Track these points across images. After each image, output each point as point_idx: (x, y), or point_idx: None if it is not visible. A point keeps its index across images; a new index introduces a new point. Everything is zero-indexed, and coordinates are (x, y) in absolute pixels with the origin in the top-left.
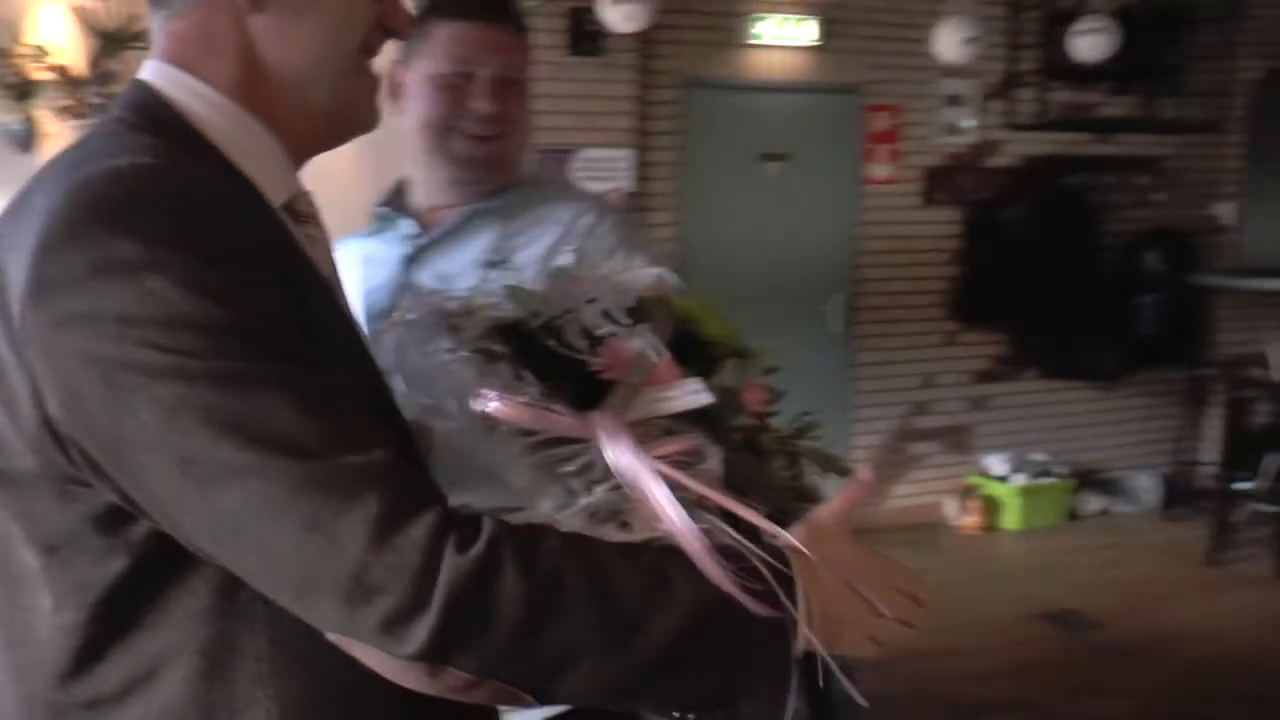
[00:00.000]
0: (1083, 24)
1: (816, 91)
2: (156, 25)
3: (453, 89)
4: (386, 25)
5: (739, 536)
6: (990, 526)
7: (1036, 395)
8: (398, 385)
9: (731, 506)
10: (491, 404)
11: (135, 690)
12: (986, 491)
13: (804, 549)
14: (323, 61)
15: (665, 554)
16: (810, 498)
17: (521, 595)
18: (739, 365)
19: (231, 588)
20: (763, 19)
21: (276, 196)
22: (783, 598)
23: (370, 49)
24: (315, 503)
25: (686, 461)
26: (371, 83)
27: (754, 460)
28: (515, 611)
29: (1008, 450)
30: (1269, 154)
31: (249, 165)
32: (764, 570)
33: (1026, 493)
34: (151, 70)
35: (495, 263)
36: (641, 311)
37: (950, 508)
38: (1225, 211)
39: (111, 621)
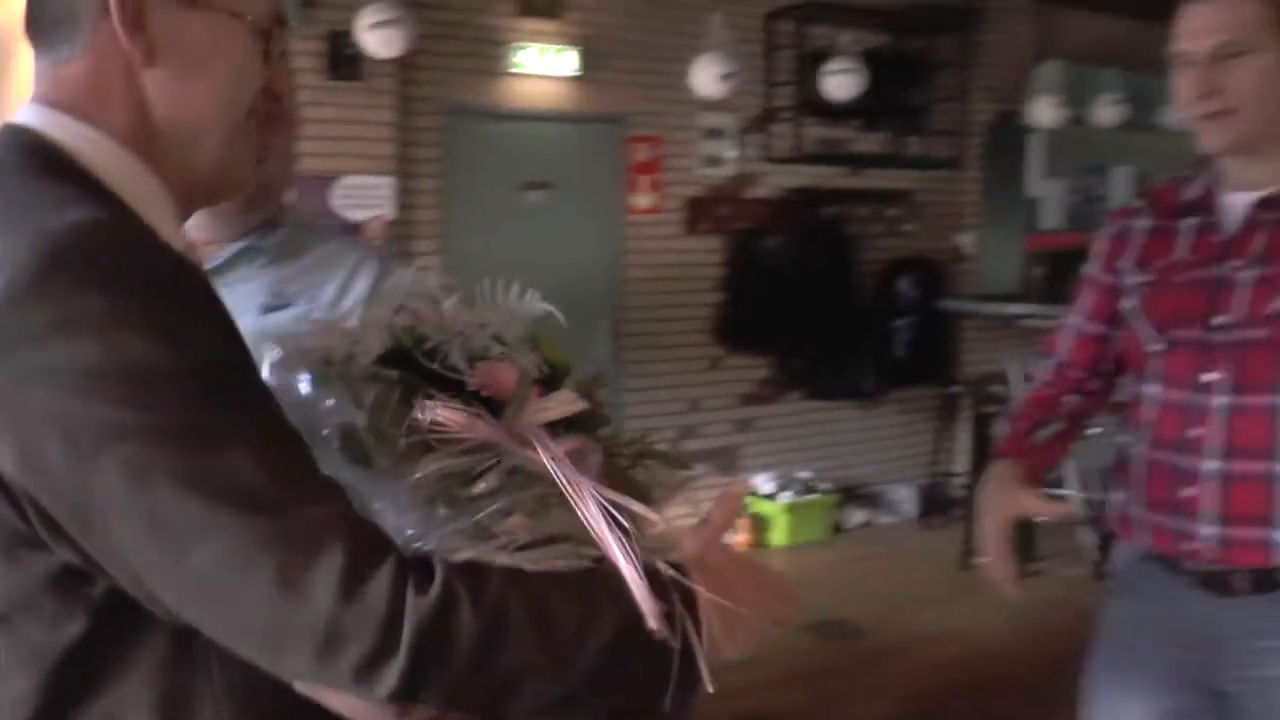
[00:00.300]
0: (833, 64)
1: (578, 121)
2: (39, 68)
3: None
4: (271, 89)
5: (637, 549)
6: (759, 544)
7: (800, 416)
8: None
9: (632, 506)
10: (438, 411)
11: None
12: (755, 510)
13: (698, 558)
14: (214, 121)
15: (589, 578)
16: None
17: (476, 629)
18: (581, 384)
19: (187, 637)
20: (524, 48)
21: (178, 240)
22: (680, 614)
23: (255, 112)
24: (283, 557)
25: (576, 460)
26: (253, 144)
27: (622, 463)
28: (471, 644)
29: (774, 469)
30: (999, 189)
31: (148, 213)
32: (669, 582)
33: (793, 509)
34: (33, 114)
35: (275, 306)
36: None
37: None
38: (967, 241)
39: (67, 686)
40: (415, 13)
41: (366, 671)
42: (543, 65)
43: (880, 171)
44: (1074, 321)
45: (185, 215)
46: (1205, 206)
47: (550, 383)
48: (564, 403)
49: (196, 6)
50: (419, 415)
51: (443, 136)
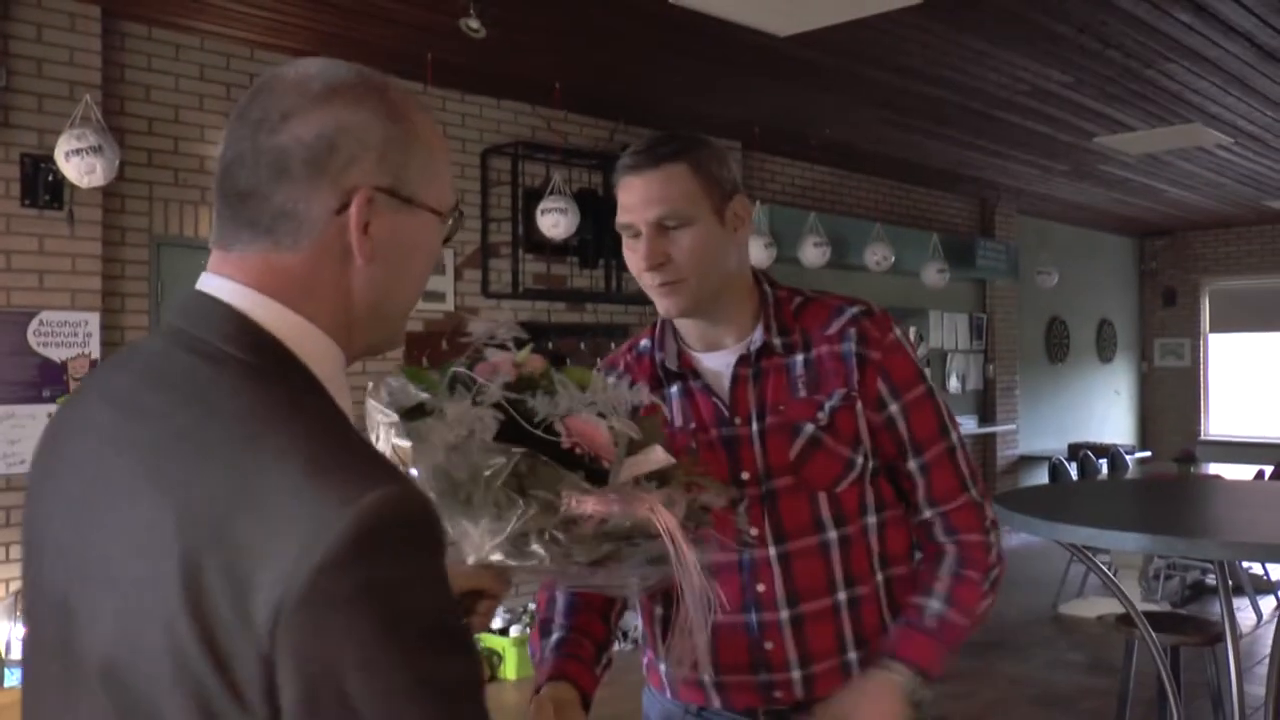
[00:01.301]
0: (546, 203)
1: None
2: (245, 252)
3: None
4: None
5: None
6: (491, 678)
7: None
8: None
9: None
10: (586, 505)
11: None
12: (485, 645)
13: None
14: (409, 303)
15: None
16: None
17: None
18: (645, 426)
19: None
20: None
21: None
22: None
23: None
24: None
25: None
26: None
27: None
28: None
29: (504, 604)
30: None
31: (338, 396)
32: None
33: (523, 643)
34: (240, 296)
35: None
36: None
37: None
38: None
39: None
40: (120, 139)
41: None
42: None
43: (600, 306)
44: None
45: None
46: (687, 372)
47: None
48: (657, 460)
49: (412, 207)
50: (571, 505)
51: (152, 270)
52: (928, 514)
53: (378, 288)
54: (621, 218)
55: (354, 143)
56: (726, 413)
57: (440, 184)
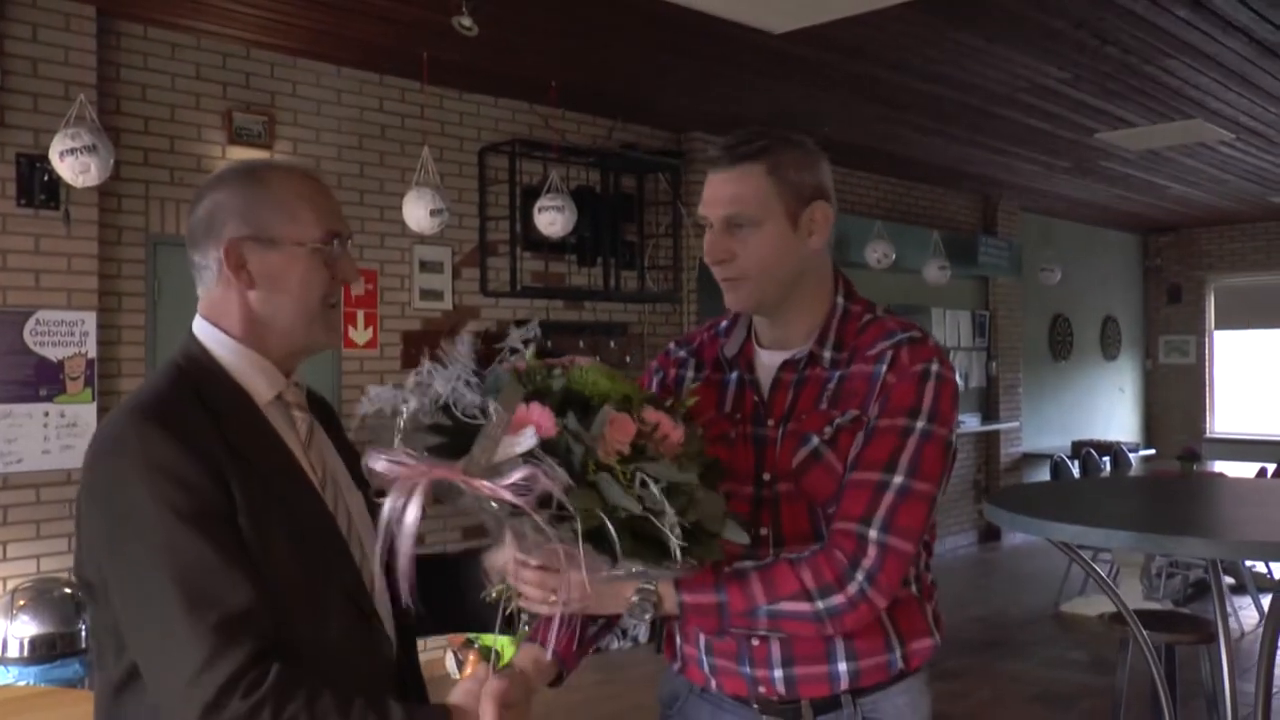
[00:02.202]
0: (545, 200)
1: None
2: (199, 288)
3: None
4: (340, 279)
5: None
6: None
7: None
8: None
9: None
10: (380, 462)
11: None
12: (483, 643)
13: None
14: (296, 316)
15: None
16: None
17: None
18: (610, 411)
19: None
20: None
21: (265, 395)
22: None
23: (328, 298)
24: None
25: (525, 487)
26: (334, 316)
27: (588, 491)
28: None
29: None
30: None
31: (245, 379)
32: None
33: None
34: (197, 324)
35: None
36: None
37: (449, 662)
38: None
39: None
40: (115, 138)
41: None
42: None
43: (599, 304)
44: None
45: (291, 367)
46: (744, 364)
47: (587, 409)
48: (523, 439)
49: (274, 245)
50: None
51: (149, 269)
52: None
53: (269, 304)
54: (700, 209)
55: (222, 211)
56: (762, 412)
57: (298, 223)
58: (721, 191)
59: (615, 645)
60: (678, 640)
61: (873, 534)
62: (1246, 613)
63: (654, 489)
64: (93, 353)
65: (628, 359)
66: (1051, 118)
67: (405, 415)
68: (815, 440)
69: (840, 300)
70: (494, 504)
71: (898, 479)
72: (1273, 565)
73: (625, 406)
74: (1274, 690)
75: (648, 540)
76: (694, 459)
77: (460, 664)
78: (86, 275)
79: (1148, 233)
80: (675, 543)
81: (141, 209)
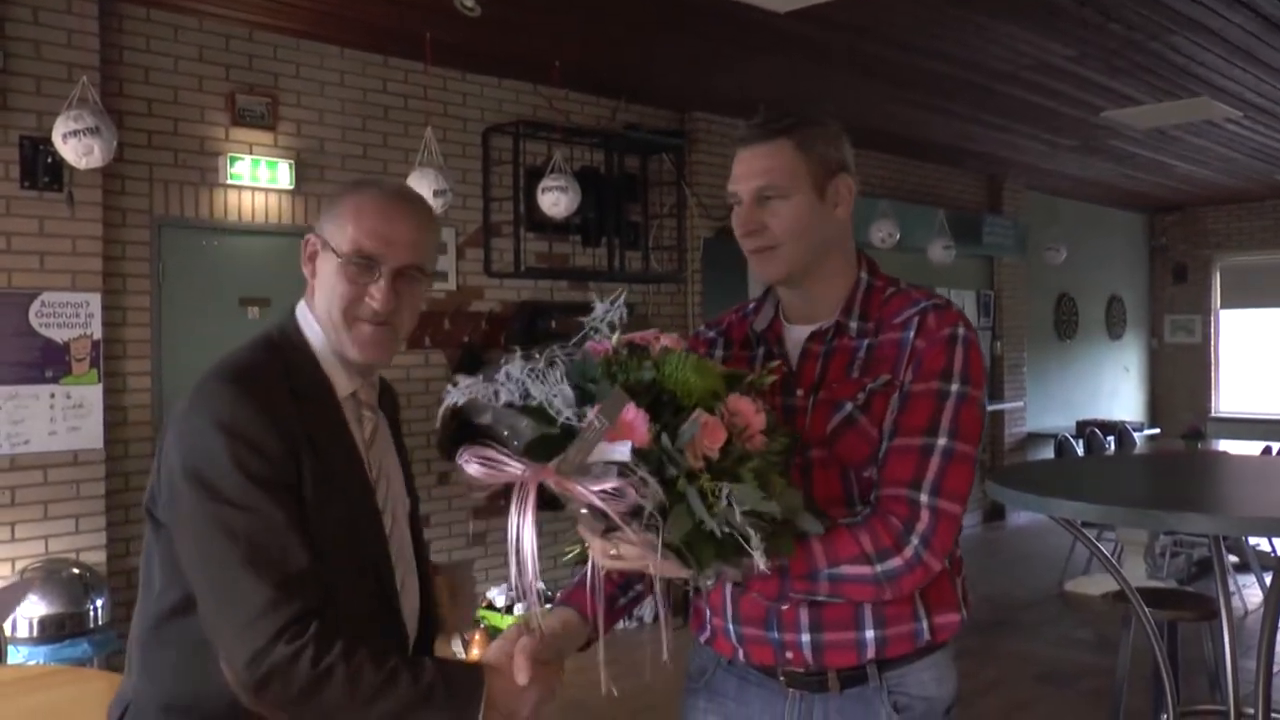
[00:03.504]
0: (547, 181)
1: (293, 235)
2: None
3: None
4: (365, 300)
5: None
6: None
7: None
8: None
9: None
10: (472, 466)
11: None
12: (489, 623)
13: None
14: (324, 318)
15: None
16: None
17: (308, 674)
18: (703, 416)
19: None
20: (238, 159)
21: (344, 389)
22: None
23: (349, 312)
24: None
25: (614, 495)
26: (361, 330)
27: (678, 506)
28: (301, 680)
29: (507, 582)
30: (721, 300)
31: (328, 368)
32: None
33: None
34: (300, 304)
35: None
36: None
37: (455, 643)
38: None
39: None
40: (118, 121)
41: (238, 670)
42: (257, 177)
43: (603, 285)
44: None
45: (359, 371)
46: (773, 338)
47: (677, 412)
48: (616, 451)
49: (325, 247)
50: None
51: (153, 250)
52: (874, 493)
53: (317, 301)
54: (730, 186)
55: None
56: (791, 382)
57: (341, 234)
58: (752, 165)
59: (621, 626)
60: (706, 612)
61: (924, 498)
62: (1250, 591)
63: (737, 512)
64: (98, 334)
65: None
66: (1056, 95)
67: (494, 410)
68: (849, 406)
69: (864, 275)
70: (584, 509)
71: (941, 441)
72: (1276, 542)
73: (713, 403)
74: (1275, 668)
75: (728, 544)
76: (776, 437)
77: (466, 645)
78: (91, 257)
79: (1154, 211)
80: (759, 556)
81: (145, 191)
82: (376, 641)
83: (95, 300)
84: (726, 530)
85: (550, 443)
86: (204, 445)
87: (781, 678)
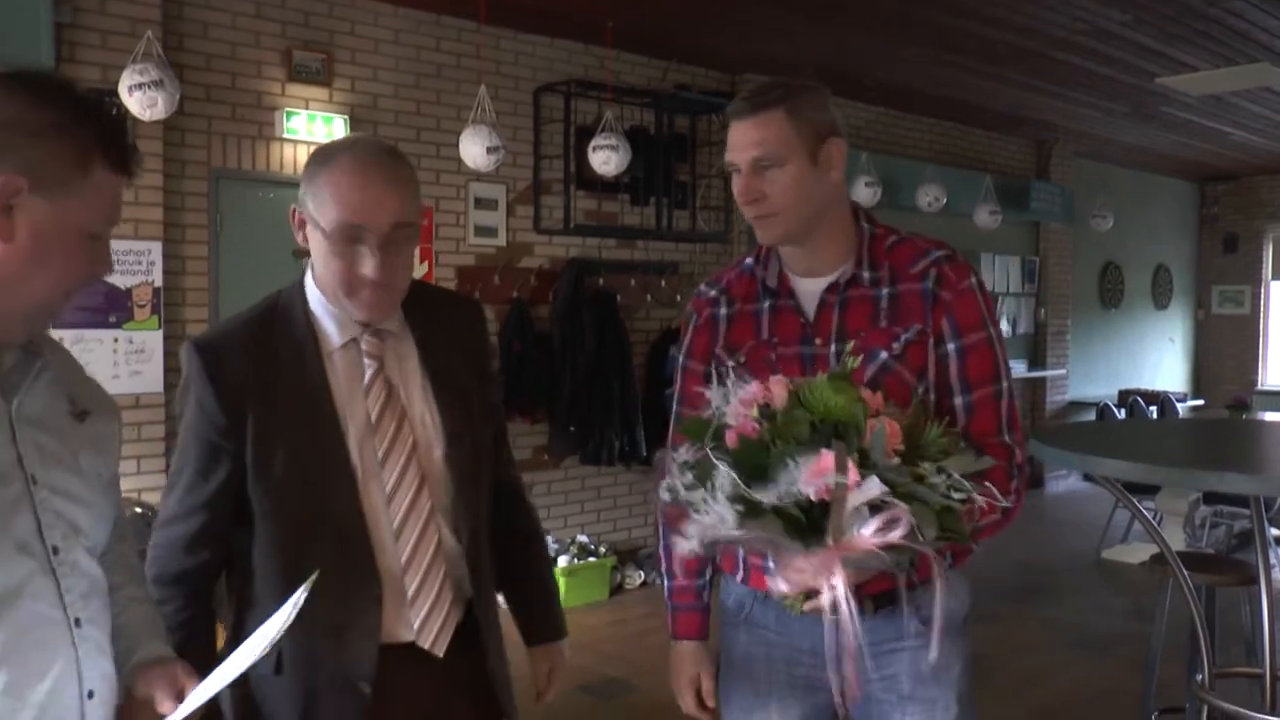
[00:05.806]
0: (597, 140)
1: None
2: None
3: None
4: (360, 271)
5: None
6: None
7: (577, 481)
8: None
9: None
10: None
11: None
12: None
13: None
14: (325, 286)
15: None
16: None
17: None
18: (885, 422)
19: None
20: (295, 114)
21: (335, 340)
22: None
23: (347, 287)
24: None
25: (888, 529)
26: (363, 296)
27: (921, 506)
28: None
29: (552, 534)
30: None
31: (319, 323)
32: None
33: (571, 573)
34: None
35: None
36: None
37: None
38: None
39: None
40: (179, 75)
41: None
42: (313, 131)
43: (651, 243)
44: (682, 412)
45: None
46: (783, 291)
47: (839, 435)
48: (869, 489)
49: (313, 226)
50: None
51: (211, 201)
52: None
53: (314, 268)
54: (727, 156)
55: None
56: (809, 332)
57: (322, 211)
58: (747, 137)
59: (658, 580)
60: (739, 551)
61: (1006, 438)
62: None
63: (945, 476)
64: (159, 281)
65: (678, 297)
66: (1111, 62)
67: (742, 536)
68: (884, 355)
69: (865, 225)
70: (883, 554)
71: (1003, 384)
72: None
73: (854, 413)
74: None
75: (951, 513)
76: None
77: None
78: (152, 207)
79: (1205, 181)
80: (980, 506)
81: (204, 144)
82: (342, 593)
83: (157, 248)
84: (954, 498)
85: (802, 527)
86: (183, 386)
87: None
